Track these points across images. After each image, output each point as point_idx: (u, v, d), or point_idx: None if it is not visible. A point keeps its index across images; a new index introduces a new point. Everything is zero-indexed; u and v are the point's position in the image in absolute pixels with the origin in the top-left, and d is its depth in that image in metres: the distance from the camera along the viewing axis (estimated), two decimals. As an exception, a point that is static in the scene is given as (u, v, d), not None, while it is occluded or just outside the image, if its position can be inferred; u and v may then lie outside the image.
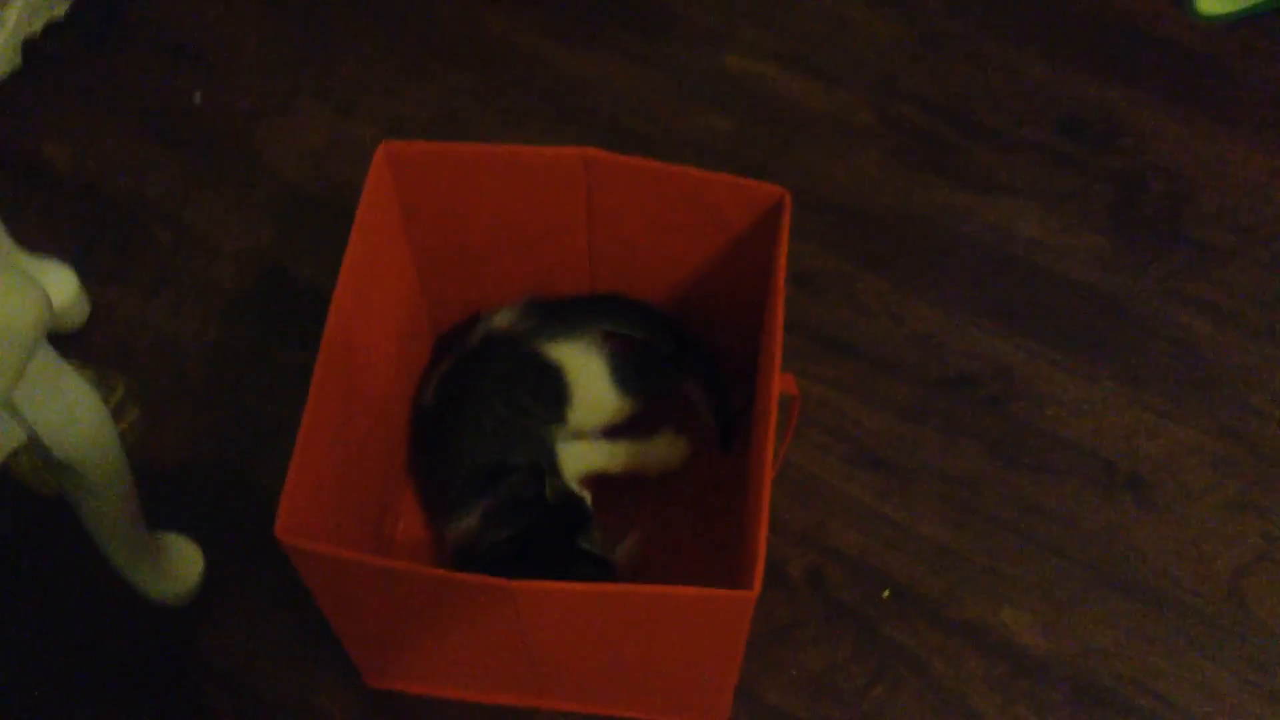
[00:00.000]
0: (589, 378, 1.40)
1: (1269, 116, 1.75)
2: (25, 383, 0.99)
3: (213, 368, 1.59)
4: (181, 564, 1.39)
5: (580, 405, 1.39)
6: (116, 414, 1.46)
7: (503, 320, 1.43)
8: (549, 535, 1.31)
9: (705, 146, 1.74)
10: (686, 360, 1.46)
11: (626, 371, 1.40)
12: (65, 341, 1.59)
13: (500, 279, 1.42)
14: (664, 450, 1.44)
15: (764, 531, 1.06)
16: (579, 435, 1.40)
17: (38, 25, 1.81)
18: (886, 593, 1.44)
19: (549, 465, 1.34)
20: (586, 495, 1.35)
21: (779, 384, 1.14)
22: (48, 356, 1.03)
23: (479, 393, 1.37)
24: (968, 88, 1.78)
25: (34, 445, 1.06)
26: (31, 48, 1.81)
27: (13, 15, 1.75)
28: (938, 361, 1.58)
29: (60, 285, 1.56)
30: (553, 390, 1.38)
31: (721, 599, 1.07)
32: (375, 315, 1.29)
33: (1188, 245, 1.65)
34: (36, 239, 1.58)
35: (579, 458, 1.39)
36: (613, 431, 1.43)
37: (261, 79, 1.82)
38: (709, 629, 1.13)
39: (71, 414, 1.06)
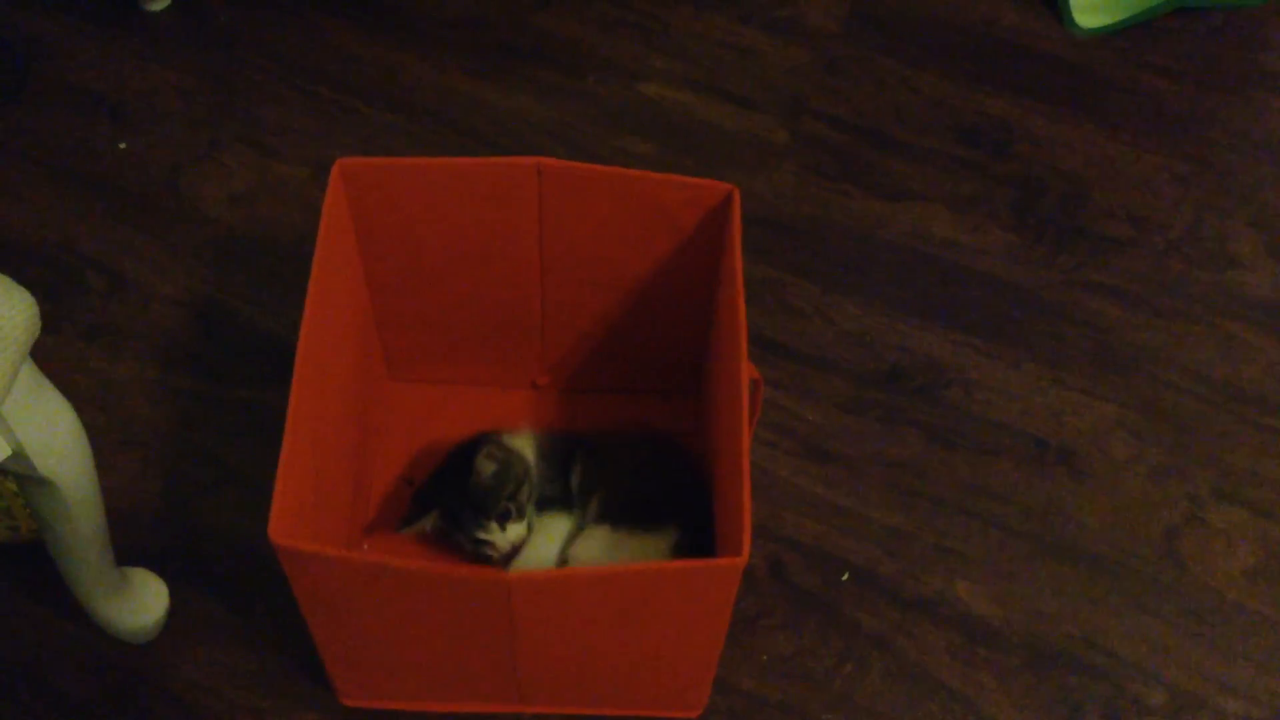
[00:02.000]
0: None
1: (1147, 118, 1.88)
2: (11, 394, 0.99)
3: (158, 410, 1.58)
4: (147, 598, 1.37)
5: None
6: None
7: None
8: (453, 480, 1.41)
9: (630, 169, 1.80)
10: None
11: None
12: (1, 392, 1.57)
13: (451, 294, 1.45)
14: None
15: (747, 501, 1.10)
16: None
17: (-53, 83, 1.80)
18: (845, 576, 1.49)
19: None
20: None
21: (747, 367, 1.19)
22: (30, 368, 1.03)
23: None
24: (872, 105, 1.88)
25: (17, 459, 1.05)
26: (-58, 106, 1.80)
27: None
28: (871, 357, 1.65)
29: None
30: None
31: (713, 568, 1.11)
32: (338, 335, 1.31)
33: (1088, 238, 1.76)
34: (-33, 290, 1.56)
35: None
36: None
37: (183, 128, 1.83)
38: (699, 602, 1.16)
39: (53, 427, 1.06)
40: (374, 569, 1.12)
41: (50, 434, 1.05)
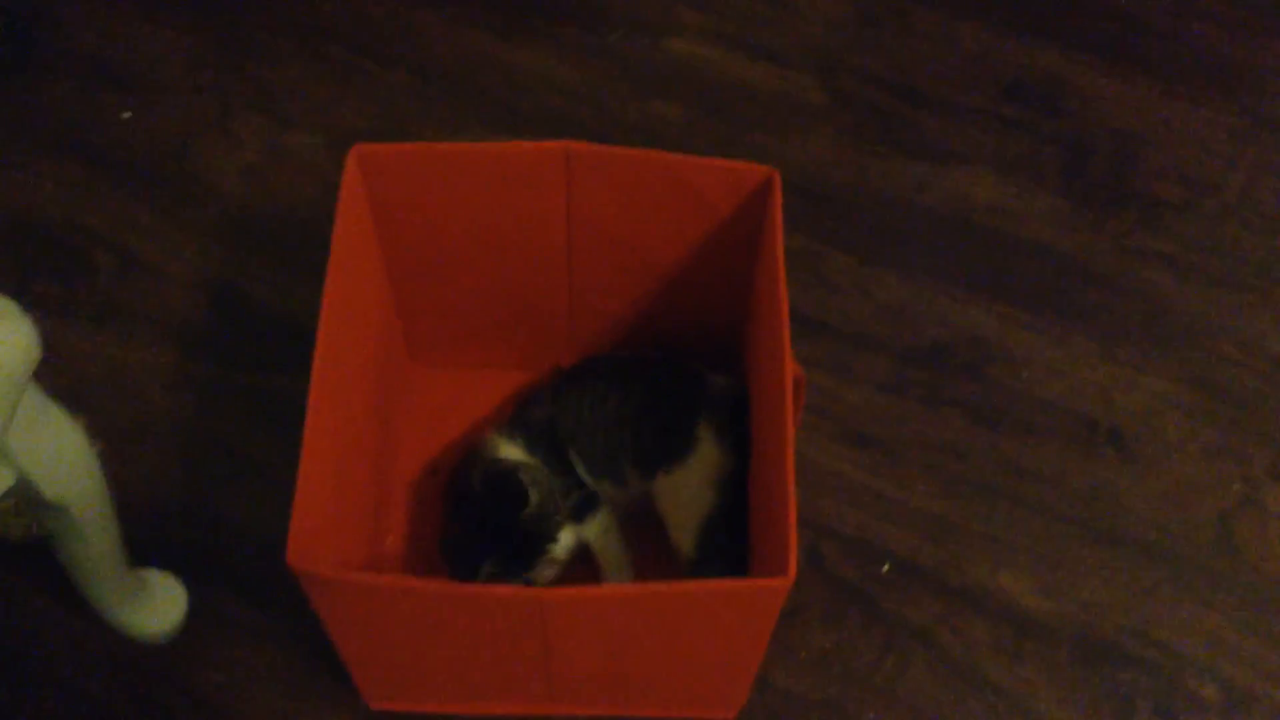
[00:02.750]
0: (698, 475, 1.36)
1: (1203, 72, 1.79)
2: (15, 421, 0.94)
3: (173, 397, 1.52)
4: (165, 601, 1.33)
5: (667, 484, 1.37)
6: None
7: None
8: (492, 518, 1.30)
9: (657, 135, 1.72)
10: None
11: None
12: (11, 380, 1.52)
13: (474, 284, 1.38)
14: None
15: (793, 516, 1.05)
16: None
17: (-53, 52, 1.73)
18: (886, 567, 1.44)
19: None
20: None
21: (791, 366, 1.13)
22: (33, 392, 0.97)
23: None
24: (911, 60, 1.79)
25: (22, 488, 1.00)
26: (-58, 76, 1.73)
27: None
28: (911, 332, 1.58)
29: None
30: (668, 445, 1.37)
31: (756, 589, 1.05)
32: (358, 328, 1.25)
33: (1140, 201, 1.68)
34: (-33, 275, 1.51)
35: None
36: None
37: (190, 96, 1.76)
38: (739, 621, 1.11)
39: (60, 452, 1.01)
40: (399, 592, 1.07)
41: (56, 459, 1.00)
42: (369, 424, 1.34)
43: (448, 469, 1.44)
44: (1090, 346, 1.57)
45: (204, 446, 1.49)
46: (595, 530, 1.36)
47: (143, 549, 1.39)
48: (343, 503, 1.21)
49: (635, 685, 1.28)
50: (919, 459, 1.50)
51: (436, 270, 1.37)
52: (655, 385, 1.39)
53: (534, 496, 1.30)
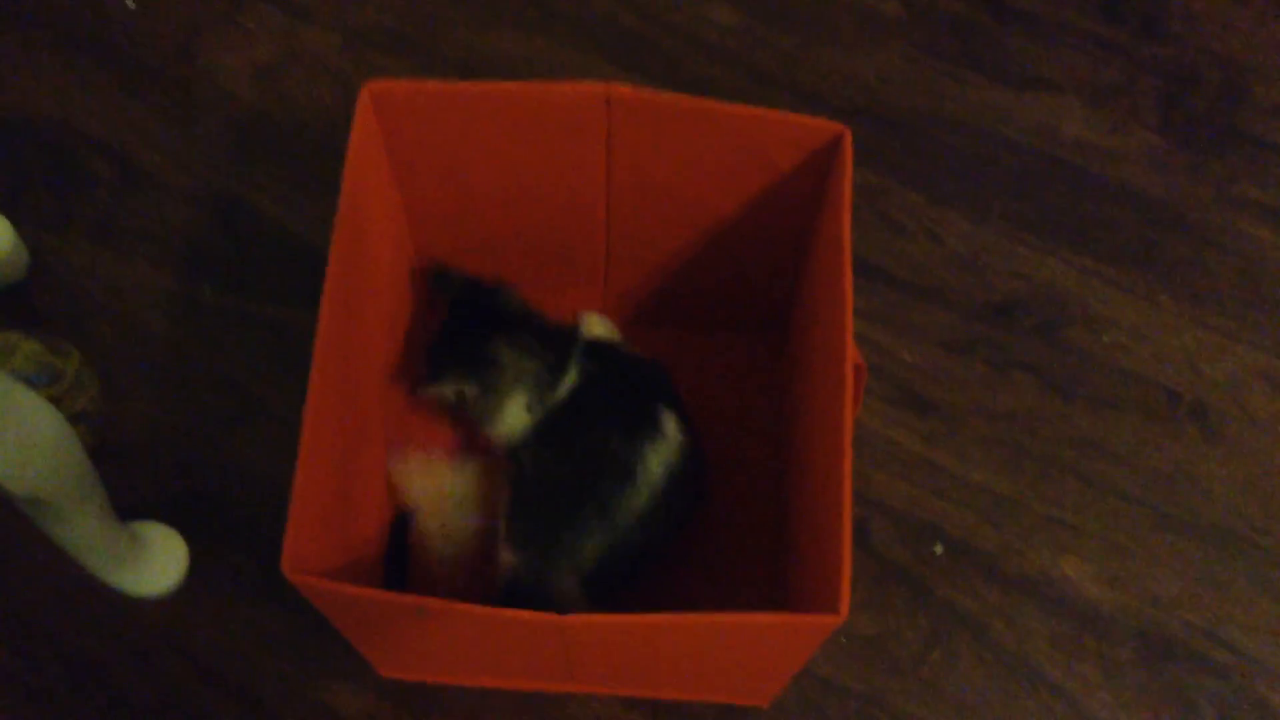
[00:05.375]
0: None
1: (1327, -11, 1.59)
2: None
3: (175, 325, 1.41)
4: (164, 559, 1.25)
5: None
6: (74, 389, 1.29)
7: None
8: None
9: (711, 46, 1.55)
10: None
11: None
12: (4, 300, 1.41)
13: (502, 226, 1.25)
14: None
15: (848, 544, 0.93)
16: None
17: (-67, -76, 1.56)
18: (938, 548, 1.33)
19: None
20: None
21: (853, 373, 0.99)
22: (-5, 382, 0.86)
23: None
24: (999, -34, 1.60)
25: (-10, 483, 0.90)
26: (-72, -49, 1.57)
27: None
28: (982, 285, 1.44)
29: (-8, 235, 1.37)
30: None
31: (802, 624, 0.94)
32: (369, 291, 1.13)
33: (1246, 143, 1.51)
34: (-46, 182, 1.39)
35: None
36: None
37: (200, -20, 1.59)
38: (777, 649, 1.01)
39: (30, 444, 0.90)
40: (409, 607, 0.97)
41: (24, 454, 0.89)
42: (383, 386, 1.22)
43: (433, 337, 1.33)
44: (1180, 309, 1.43)
45: (207, 384, 1.38)
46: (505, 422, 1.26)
47: (139, 499, 1.30)
48: (351, 476, 1.11)
49: (663, 677, 1.18)
50: (981, 429, 1.37)
51: (460, 214, 1.23)
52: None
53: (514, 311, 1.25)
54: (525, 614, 0.91)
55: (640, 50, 1.55)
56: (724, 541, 1.29)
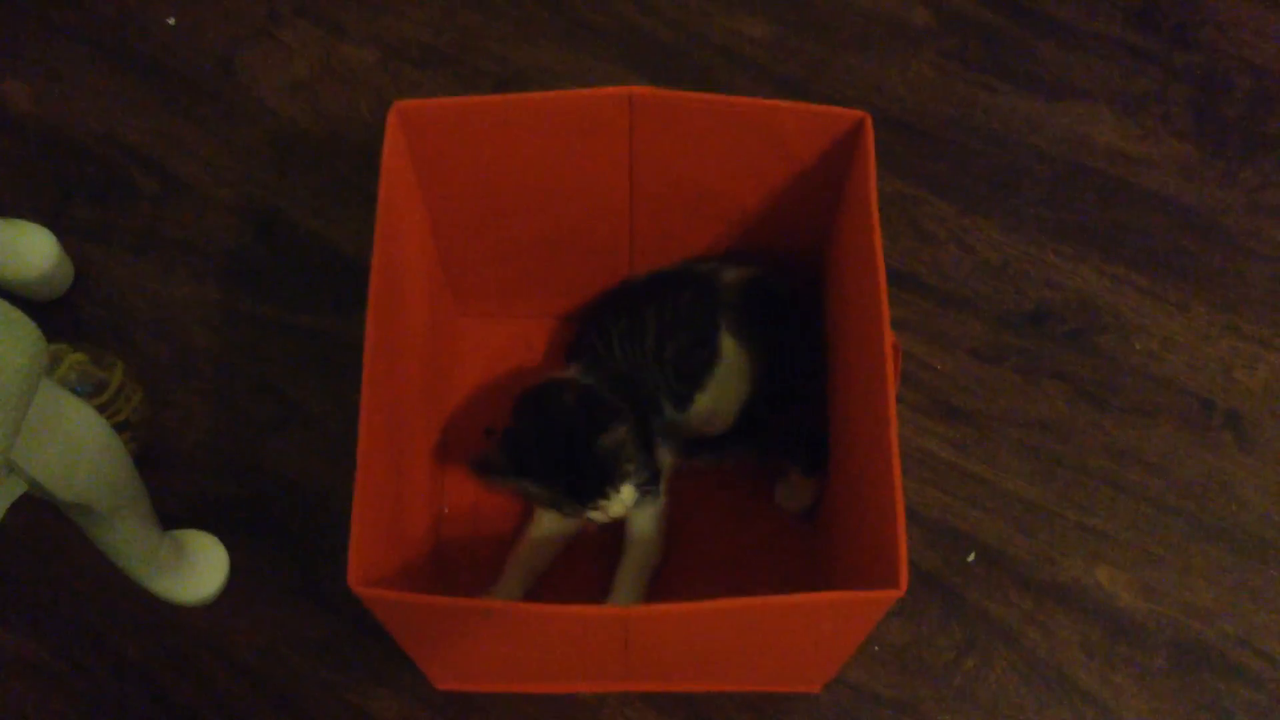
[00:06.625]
0: (730, 381, 1.27)
1: (1361, -4, 1.59)
2: (23, 427, 0.85)
3: (217, 335, 1.43)
4: (205, 567, 1.27)
5: (704, 402, 1.28)
6: (119, 398, 1.31)
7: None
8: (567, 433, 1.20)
9: (741, 56, 1.57)
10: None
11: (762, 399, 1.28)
12: (50, 311, 1.43)
13: (528, 229, 1.26)
14: (795, 491, 1.32)
15: (901, 520, 0.94)
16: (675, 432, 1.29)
17: (-18, -56, 1.60)
18: (972, 556, 1.33)
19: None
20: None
21: (892, 356, 1.01)
22: (45, 388, 0.88)
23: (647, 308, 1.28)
24: (1030, -24, 1.61)
25: (35, 491, 0.92)
26: (-23, -30, 1.61)
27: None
28: (1013, 293, 1.44)
29: (37, 248, 1.40)
30: (694, 366, 1.26)
31: (861, 601, 0.96)
32: (408, 305, 1.14)
33: (1278, 150, 1.51)
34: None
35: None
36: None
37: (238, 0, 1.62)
38: (836, 628, 1.03)
39: (77, 451, 0.92)
40: (475, 611, 0.99)
41: (72, 461, 0.91)
42: (426, 393, 1.24)
43: (501, 432, 1.34)
44: (1213, 316, 1.43)
45: (249, 392, 1.41)
46: (649, 511, 1.26)
47: (181, 505, 1.33)
48: (403, 485, 1.13)
49: (718, 667, 1.20)
50: (1013, 437, 1.38)
51: (487, 220, 1.25)
52: (675, 308, 1.29)
53: (614, 437, 1.18)
54: (591, 609, 0.94)
55: (672, 62, 1.56)
56: (760, 534, 1.32)
